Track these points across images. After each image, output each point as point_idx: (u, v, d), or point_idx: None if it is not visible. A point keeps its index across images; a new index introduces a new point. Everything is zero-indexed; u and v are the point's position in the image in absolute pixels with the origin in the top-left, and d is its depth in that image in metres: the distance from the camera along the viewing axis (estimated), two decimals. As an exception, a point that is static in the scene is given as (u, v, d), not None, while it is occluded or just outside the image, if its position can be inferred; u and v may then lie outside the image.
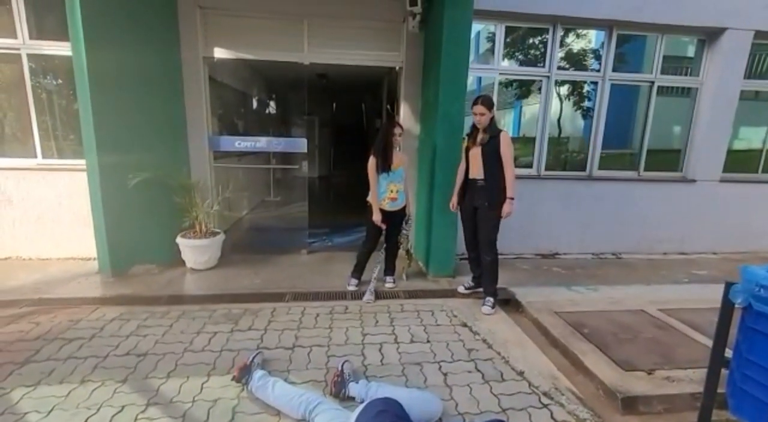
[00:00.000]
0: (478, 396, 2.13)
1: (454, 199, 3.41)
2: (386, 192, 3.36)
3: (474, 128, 3.18)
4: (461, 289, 3.55)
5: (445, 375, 2.32)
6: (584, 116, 4.99)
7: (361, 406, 1.66)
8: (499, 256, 3.29)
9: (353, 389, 2.05)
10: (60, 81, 4.14)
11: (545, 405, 2.08)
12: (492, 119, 3.08)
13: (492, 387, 2.21)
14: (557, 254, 4.77)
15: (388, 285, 3.63)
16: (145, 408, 1.98)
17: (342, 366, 2.18)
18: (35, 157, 4.07)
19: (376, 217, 3.31)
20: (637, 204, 4.85)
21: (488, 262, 3.21)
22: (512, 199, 3.07)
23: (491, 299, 3.24)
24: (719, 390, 1.67)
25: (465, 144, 3.30)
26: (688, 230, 5.00)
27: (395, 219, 3.48)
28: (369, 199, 3.39)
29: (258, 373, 2.12)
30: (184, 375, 2.25)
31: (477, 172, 3.15)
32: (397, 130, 3.31)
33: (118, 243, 3.59)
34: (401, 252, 3.69)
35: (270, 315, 2.99)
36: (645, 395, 2.15)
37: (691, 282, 4.01)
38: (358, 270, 3.58)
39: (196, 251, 3.84)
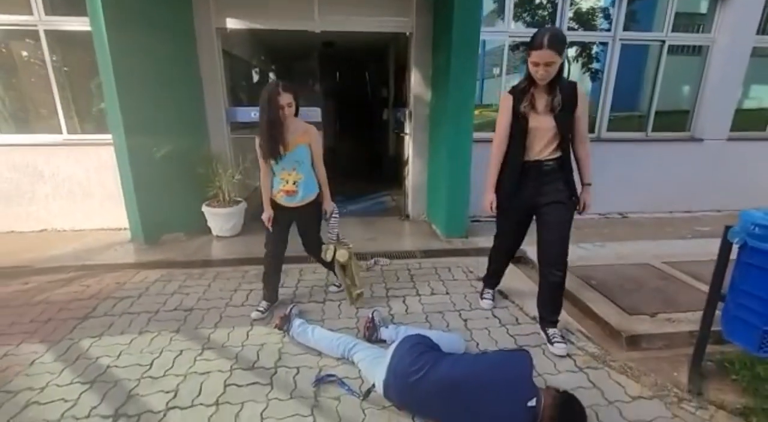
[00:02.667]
0: (496, 337, 2.37)
1: (491, 196, 2.29)
2: (280, 183, 2.44)
3: (528, 84, 2.08)
4: (486, 304, 2.71)
5: (465, 321, 2.55)
6: (593, 78, 5.00)
7: (397, 341, 1.89)
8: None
9: (384, 333, 2.29)
10: (78, 56, 4.21)
11: (557, 343, 2.31)
12: (561, 67, 1.99)
13: (508, 330, 2.45)
14: (565, 215, 4.93)
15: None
16: (201, 351, 2.23)
17: (372, 314, 2.40)
18: (60, 132, 4.21)
19: (265, 216, 2.48)
20: (644, 164, 4.95)
21: (558, 281, 2.22)
22: (590, 184, 2.22)
23: (557, 332, 2.27)
24: (714, 328, 1.87)
25: (510, 109, 2.15)
26: (694, 189, 5.12)
27: (302, 218, 2.57)
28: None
29: (297, 321, 2.36)
30: (230, 325, 2.50)
31: (544, 149, 2.12)
32: (284, 99, 2.24)
33: (149, 214, 3.80)
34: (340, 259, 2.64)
35: (298, 275, 3.23)
36: (647, 333, 2.37)
37: (695, 238, 4.18)
38: (267, 286, 2.65)
39: (221, 219, 4.05)
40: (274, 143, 2.30)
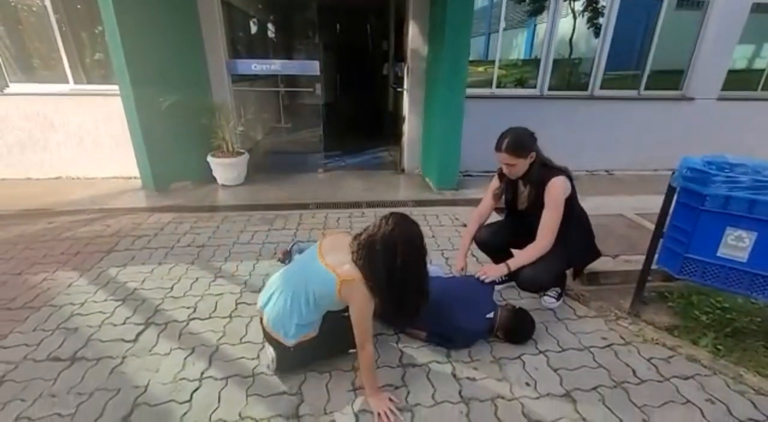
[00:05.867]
0: (472, 271, 2.69)
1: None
2: None
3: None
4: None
5: (446, 258, 2.88)
6: (597, 34, 4.97)
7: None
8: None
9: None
10: (80, 6, 4.25)
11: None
12: (532, 165, 1.98)
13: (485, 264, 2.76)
14: (553, 171, 5.15)
15: None
16: (214, 278, 2.57)
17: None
18: (67, 82, 4.35)
19: None
20: (634, 123, 5.09)
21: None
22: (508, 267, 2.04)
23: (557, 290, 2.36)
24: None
25: (492, 191, 2.23)
26: (682, 148, 5.17)
27: None
28: None
29: (297, 255, 2.67)
30: (238, 259, 2.83)
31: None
32: None
33: (158, 163, 4.04)
34: None
35: (299, 219, 3.53)
36: (606, 271, 2.69)
37: (672, 193, 4.43)
38: None
39: (225, 168, 4.29)
40: None
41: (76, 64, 4.37)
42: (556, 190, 1.94)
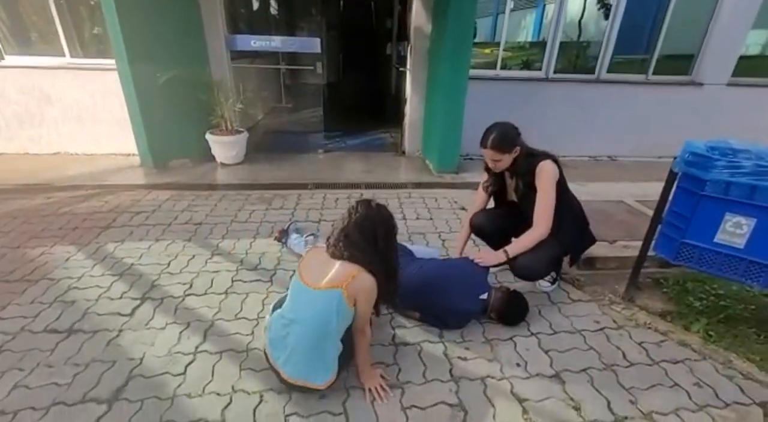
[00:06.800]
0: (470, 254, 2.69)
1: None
2: None
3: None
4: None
5: (443, 240, 2.87)
6: (606, 16, 4.84)
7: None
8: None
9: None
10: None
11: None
12: (518, 157, 2.00)
13: (482, 249, 2.76)
14: (556, 156, 5.10)
15: None
16: (211, 256, 2.58)
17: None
18: (63, 55, 4.28)
19: None
20: (641, 108, 5.00)
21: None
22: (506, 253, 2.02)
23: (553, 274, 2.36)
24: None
25: (485, 183, 2.27)
26: (688, 135, 5.09)
27: None
28: None
29: (294, 234, 2.68)
30: (235, 237, 2.83)
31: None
32: None
33: (156, 140, 4.01)
34: None
35: (297, 199, 3.51)
36: (602, 256, 2.68)
37: (674, 181, 4.39)
38: None
39: (224, 147, 4.26)
40: None
41: (73, 37, 4.28)
42: (546, 172, 1.96)
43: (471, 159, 4.72)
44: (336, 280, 1.44)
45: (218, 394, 1.58)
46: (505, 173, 2.13)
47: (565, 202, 2.08)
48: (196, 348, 1.81)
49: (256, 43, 4.38)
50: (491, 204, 2.37)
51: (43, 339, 1.84)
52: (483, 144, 1.99)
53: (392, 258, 1.61)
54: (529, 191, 2.01)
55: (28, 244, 2.65)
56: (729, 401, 1.62)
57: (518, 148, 1.97)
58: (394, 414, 1.52)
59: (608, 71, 4.87)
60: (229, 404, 1.54)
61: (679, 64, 5.04)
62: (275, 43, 4.45)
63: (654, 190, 3.93)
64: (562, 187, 2.03)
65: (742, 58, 4.92)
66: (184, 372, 1.67)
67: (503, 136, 1.95)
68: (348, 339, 1.56)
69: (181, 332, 1.90)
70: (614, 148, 5.19)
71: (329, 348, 1.49)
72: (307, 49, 4.57)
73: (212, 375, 1.66)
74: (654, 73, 4.94)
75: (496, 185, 2.23)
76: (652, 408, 1.57)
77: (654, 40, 4.80)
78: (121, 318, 1.99)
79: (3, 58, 4.23)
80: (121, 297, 2.14)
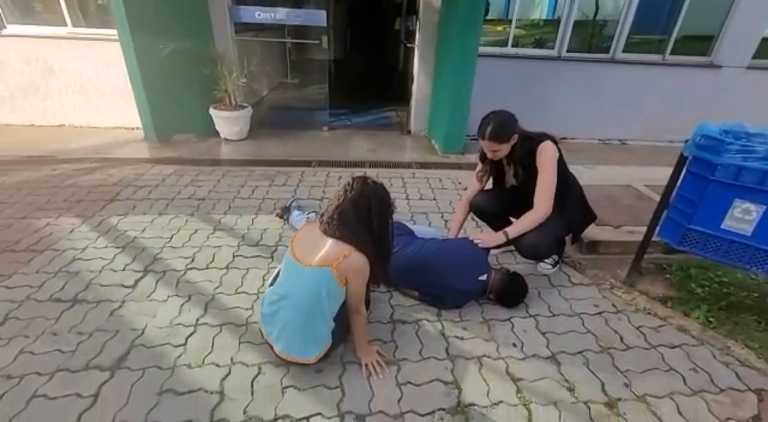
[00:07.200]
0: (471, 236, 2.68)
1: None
2: None
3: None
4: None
5: (446, 221, 2.86)
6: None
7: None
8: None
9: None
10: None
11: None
12: (515, 145, 1.98)
13: (483, 230, 2.74)
14: (564, 138, 4.98)
15: None
16: (213, 231, 2.60)
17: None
18: (65, 25, 4.20)
19: None
20: (656, 90, 4.84)
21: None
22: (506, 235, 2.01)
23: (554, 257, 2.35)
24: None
25: (480, 172, 2.26)
26: (702, 118, 5.04)
27: None
28: None
29: (296, 211, 2.68)
30: (238, 213, 2.83)
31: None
32: None
33: (160, 114, 3.98)
34: None
35: (300, 176, 3.49)
36: (606, 240, 2.65)
37: (685, 166, 4.30)
38: None
39: (228, 122, 4.22)
40: None
41: (74, 6, 4.19)
42: (547, 153, 1.95)
43: (477, 140, 4.63)
44: (327, 259, 1.43)
45: (217, 365, 1.61)
46: (503, 160, 2.11)
47: (567, 180, 2.09)
48: (197, 320, 1.84)
49: (261, 14, 4.26)
50: (490, 184, 2.35)
51: (48, 307, 1.87)
52: (481, 135, 1.97)
53: (386, 238, 1.58)
54: (530, 174, 2.00)
55: (34, 215, 2.68)
56: (724, 386, 1.62)
57: (515, 136, 1.95)
58: (389, 390, 1.54)
59: (624, 51, 4.70)
60: (227, 375, 1.57)
61: (698, 46, 4.84)
62: (280, 14, 4.33)
63: (663, 174, 3.86)
64: (562, 165, 2.04)
65: (764, 39, 4.71)
66: (185, 344, 1.70)
67: (501, 126, 1.93)
68: (344, 314, 1.56)
69: (182, 305, 1.93)
70: (625, 132, 5.07)
71: (320, 325, 1.49)
72: (313, 22, 4.44)
73: (212, 347, 1.69)
74: (671, 54, 4.76)
75: (494, 172, 2.23)
76: (646, 391, 1.58)
77: (673, 20, 4.60)
78: (124, 289, 2.02)
79: (5, 27, 4.17)
80: (124, 269, 2.17)
